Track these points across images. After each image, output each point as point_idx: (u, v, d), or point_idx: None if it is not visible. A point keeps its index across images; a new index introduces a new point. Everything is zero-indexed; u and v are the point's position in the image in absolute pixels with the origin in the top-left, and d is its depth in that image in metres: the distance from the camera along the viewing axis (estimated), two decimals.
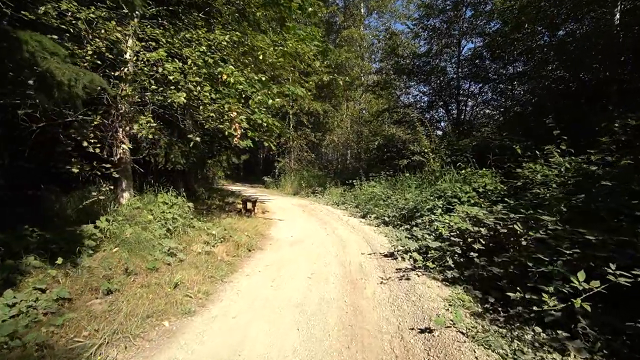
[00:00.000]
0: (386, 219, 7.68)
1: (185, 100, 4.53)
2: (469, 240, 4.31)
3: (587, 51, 8.46)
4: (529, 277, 3.33)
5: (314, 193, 14.99)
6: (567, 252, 3.17)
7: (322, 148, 21.42)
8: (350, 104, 20.65)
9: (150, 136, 4.68)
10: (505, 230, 3.97)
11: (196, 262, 4.23)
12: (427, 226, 6.09)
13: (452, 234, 4.49)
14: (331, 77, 7.68)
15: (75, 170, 3.93)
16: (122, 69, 4.81)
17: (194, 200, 9.93)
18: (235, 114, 5.20)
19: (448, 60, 14.46)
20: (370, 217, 8.56)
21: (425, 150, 9.00)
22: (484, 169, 7.12)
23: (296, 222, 8.23)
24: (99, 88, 3.38)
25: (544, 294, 2.90)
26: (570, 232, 3.36)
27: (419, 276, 4.17)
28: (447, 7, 13.48)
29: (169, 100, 4.56)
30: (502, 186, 6.17)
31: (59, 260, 3.13)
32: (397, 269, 4.45)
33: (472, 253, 4.10)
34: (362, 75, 19.28)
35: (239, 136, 5.48)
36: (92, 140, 4.00)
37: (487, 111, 14.49)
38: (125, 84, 5.04)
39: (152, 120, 4.68)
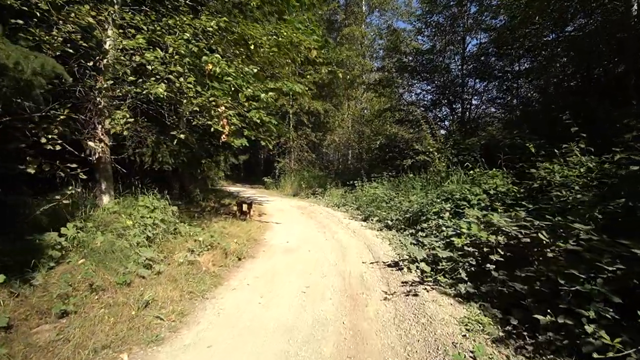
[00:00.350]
0: (389, 222, 7.13)
1: (165, 92, 4.01)
2: (485, 249, 3.77)
3: (600, 45, 7.91)
4: (561, 297, 2.79)
5: (314, 194, 14.47)
6: (609, 268, 2.64)
7: (322, 148, 20.89)
8: (351, 103, 20.11)
9: (125, 132, 4.17)
10: (528, 240, 3.43)
11: (176, 274, 3.71)
12: (433, 231, 5.55)
13: (465, 242, 3.95)
14: (330, 69, 7.13)
15: (31, 170, 3.42)
16: (97, 58, 4.30)
17: (188, 202, 9.43)
18: (223, 108, 4.68)
19: (452, 58, 13.91)
20: (372, 220, 8.02)
21: (430, 150, 8.45)
22: (494, 169, 6.58)
23: (294, 226, 7.70)
24: (55, 75, 2.86)
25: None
26: (610, 244, 2.82)
27: (428, 291, 3.63)
28: (451, 3, 12.93)
29: (144, 92, 4.04)
30: (515, 188, 5.62)
31: (1, 278, 2.61)
32: (403, 282, 3.91)
33: (488, 265, 3.56)
34: (363, 73, 18.74)
35: (227, 133, 4.95)
36: (52, 137, 3.48)
37: (493, 109, 13.99)
38: (102, 75, 4.53)
39: (128, 115, 4.16)
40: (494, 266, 3.50)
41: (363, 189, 10.87)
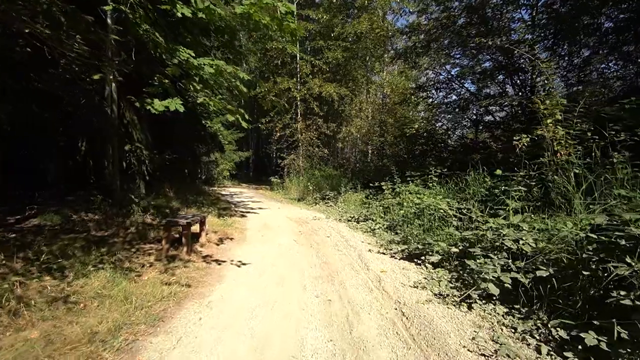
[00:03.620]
0: (487, 285, 2.73)
1: None
2: None
3: None
4: None
5: (324, 199, 10.23)
6: None
7: (337, 142, 16.55)
8: (372, 87, 15.66)
9: None
10: None
11: None
12: None
13: None
14: None
15: None
16: None
17: (114, 215, 5.40)
18: None
19: (516, 10, 9.33)
20: (426, 260, 3.70)
21: (549, 122, 3.99)
22: None
23: (267, 277, 3.46)
24: None
25: None
26: None
27: None
28: None
29: None
30: None
31: None
32: None
33: None
34: (388, 37, 14.14)
35: None
36: None
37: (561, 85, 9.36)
38: None
39: None
40: None
41: (398, 194, 6.54)
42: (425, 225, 4.77)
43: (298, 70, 14.46)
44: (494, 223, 3.48)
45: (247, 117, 5.24)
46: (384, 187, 7.18)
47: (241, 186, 20.00)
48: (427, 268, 3.65)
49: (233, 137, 18.30)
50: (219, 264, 3.80)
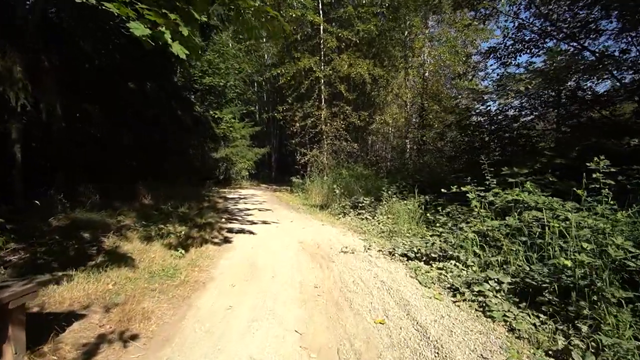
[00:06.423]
0: None
1: None
2: None
3: None
4: None
5: (355, 208, 6.92)
6: None
7: (368, 135, 13.14)
8: (412, 66, 12.07)
9: None
10: None
11: None
12: None
13: None
14: None
15: None
16: None
17: None
18: None
19: None
20: None
21: None
22: None
23: None
24: None
25: None
26: None
27: None
28: None
29: None
30: None
31: None
32: None
33: None
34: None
35: None
36: None
37: None
38: None
39: None
40: None
41: (499, 210, 3.12)
42: None
43: (322, 45, 11.22)
44: None
45: (186, 31, 2.09)
46: (469, 196, 3.77)
47: (259, 187, 17.13)
48: None
49: (247, 130, 15.38)
50: None
